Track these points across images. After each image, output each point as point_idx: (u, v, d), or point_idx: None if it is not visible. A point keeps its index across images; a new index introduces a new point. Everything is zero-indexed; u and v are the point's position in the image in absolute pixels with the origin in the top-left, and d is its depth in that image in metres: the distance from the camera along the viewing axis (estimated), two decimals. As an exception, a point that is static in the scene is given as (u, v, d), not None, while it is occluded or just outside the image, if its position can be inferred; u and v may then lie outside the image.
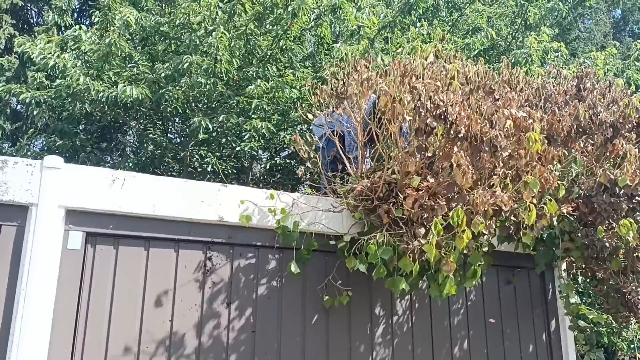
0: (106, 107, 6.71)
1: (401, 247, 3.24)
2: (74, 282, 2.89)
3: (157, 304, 3.06)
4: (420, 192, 3.23)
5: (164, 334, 3.04)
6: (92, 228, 2.98)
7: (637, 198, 3.76)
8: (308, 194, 4.04)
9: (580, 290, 5.75)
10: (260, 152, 8.35)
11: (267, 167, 8.85)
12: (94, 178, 3.01)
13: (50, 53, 6.33)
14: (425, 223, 3.23)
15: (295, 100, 6.92)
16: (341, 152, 3.88)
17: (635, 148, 3.76)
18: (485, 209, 3.14)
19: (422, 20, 6.94)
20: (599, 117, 3.90)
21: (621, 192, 3.77)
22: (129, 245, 3.07)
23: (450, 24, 7.53)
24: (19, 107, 10.21)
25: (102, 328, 2.91)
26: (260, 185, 9.23)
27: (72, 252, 2.92)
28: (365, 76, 3.46)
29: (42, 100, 6.61)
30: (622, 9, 18.94)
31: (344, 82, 3.71)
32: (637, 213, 3.78)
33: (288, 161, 8.67)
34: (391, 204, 3.38)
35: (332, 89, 3.82)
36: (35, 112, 6.74)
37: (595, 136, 3.95)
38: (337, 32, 7.37)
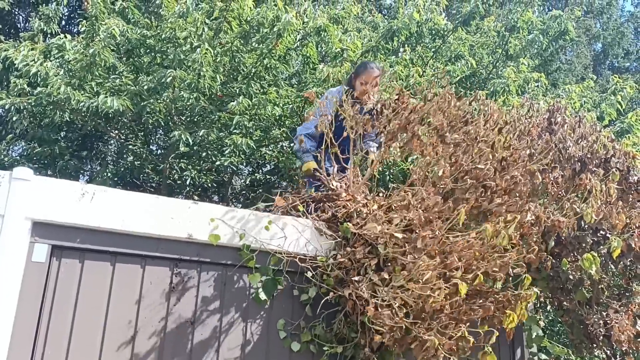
0: (87, 116, 6.70)
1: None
2: (36, 296, 2.87)
3: (121, 320, 3.04)
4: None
5: (125, 351, 3.02)
6: (58, 241, 2.97)
7: (601, 232, 3.84)
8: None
9: (550, 318, 5.81)
10: (241, 166, 8.36)
11: (248, 182, 8.86)
12: (63, 191, 3.01)
13: (34, 60, 6.32)
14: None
15: (278, 117, 6.97)
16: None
17: (602, 183, 3.85)
18: None
19: (406, 46, 7.06)
20: (567, 151, 3.99)
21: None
22: (95, 259, 3.06)
23: (433, 50, 7.66)
24: (-1, 111, 10.12)
25: (62, 343, 2.88)
26: (241, 199, 9.23)
27: (37, 264, 2.90)
28: None
29: (22, 107, 6.58)
30: (602, 43, 19.44)
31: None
32: (601, 247, 3.86)
33: (269, 177, 8.69)
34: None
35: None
36: (14, 119, 6.70)
37: (565, 170, 4.03)
38: (324, 52, 7.46)
